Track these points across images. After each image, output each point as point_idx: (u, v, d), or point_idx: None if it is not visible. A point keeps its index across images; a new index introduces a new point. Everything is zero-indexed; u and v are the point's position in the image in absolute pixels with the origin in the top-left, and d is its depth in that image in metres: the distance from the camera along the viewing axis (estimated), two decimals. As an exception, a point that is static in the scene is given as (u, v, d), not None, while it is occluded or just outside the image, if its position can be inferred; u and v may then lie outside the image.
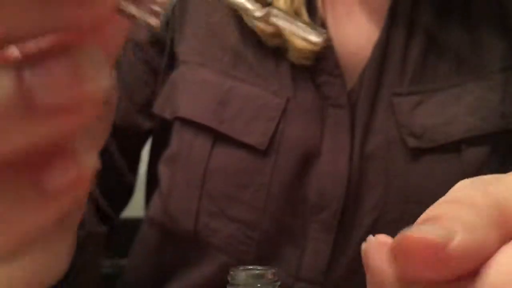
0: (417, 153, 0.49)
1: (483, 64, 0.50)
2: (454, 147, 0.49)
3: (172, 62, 0.52)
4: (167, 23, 0.52)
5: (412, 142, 0.48)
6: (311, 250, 0.49)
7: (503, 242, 0.18)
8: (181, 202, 0.50)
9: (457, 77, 0.50)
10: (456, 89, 0.50)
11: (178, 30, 0.52)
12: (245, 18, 0.49)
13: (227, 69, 0.50)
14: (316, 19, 0.49)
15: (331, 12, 0.51)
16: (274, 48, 0.49)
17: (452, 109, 0.49)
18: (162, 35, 0.52)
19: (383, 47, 0.50)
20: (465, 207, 0.18)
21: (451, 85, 0.50)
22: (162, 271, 0.53)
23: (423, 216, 0.18)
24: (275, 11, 0.17)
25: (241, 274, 0.35)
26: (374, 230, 0.47)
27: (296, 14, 0.47)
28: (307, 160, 0.49)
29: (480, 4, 0.51)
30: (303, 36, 0.18)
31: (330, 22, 0.51)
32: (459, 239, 0.16)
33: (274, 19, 0.17)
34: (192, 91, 0.50)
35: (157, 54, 0.53)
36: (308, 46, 0.47)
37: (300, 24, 0.18)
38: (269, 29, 0.48)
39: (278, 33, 0.48)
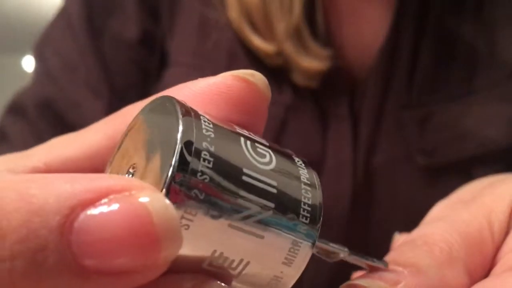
0: (426, 171, 0.45)
1: (499, 66, 0.46)
2: (466, 164, 0.45)
3: (163, 60, 0.48)
4: (158, 16, 0.47)
5: (421, 160, 0.44)
6: (313, 266, 0.47)
7: (477, 269, 0.19)
8: None
9: (471, 84, 0.45)
10: (470, 98, 0.45)
11: (168, 23, 0.47)
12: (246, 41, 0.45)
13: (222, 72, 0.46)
14: (317, 33, 0.45)
15: (335, 18, 0.46)
16: (275, 68, 0.45)
17: (466, 121, 0.45)
18: (153, 30, 0.47)
19: (389, 52, 0.45)
20: (417, 248, 0.19)
21: (465, 93, 0.45)
22: None
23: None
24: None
25: None
26: (379, 249, 0.43)
27: (296, 31, 0.44)
28: None
29: None
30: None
31: (333, 29, 0.46)
32: (403, 284, 0.17)
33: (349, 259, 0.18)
34: None
35: (148, 53, 0.48)
36: (315, 66, 0.43)
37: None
38: (271, 48, 0.44)
39: (281, 52, 0.44)
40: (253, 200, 0.13)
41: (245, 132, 0.15)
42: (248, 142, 0.14)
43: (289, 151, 0.16)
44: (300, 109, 0.45)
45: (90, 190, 0.11)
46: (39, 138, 0.40)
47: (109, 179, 0.12)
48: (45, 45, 0.49)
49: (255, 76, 0.16)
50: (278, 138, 0.45)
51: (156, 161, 0.13)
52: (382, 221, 0.45)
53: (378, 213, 0.46)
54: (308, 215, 0.15)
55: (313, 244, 0.15)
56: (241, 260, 0.14)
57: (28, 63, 3.39)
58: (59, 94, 0.46)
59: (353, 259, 0.18)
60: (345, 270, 0.23)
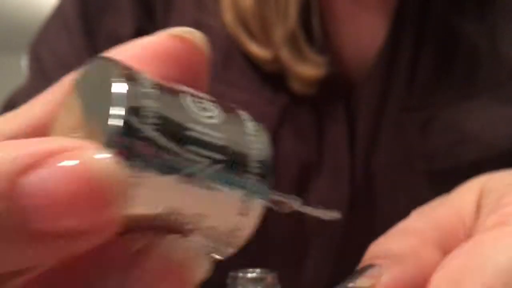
0: (428, 176, 0.44)
1: (501, 65, 0.45)
2: (469, 169, 0.43)
3: None
4: (152, 12, 0.47)
5: (421, 165, 0.44)
6: (311, 269, 0.46)
7: (451, 248, 0.20)
8: None
9: (473, 85, 0.44)
10: (471, 102, 0.44)
11: (162, 21, 0.47)
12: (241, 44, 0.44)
13: (217, 72, 0.45)
14: (314, 39, 0.44)
15: (332, 22, 0.45)
16: (271, 75, 0.44)
17: (468, 124, 0.44)
18: (147, 27, 0.47)
19: (388, 55, 0.44)
20: (396, 238, 0.22)
21: (465, 96, 0.44)
22: None
23: (366, 255, 0.23)
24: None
25: (241, 277, 0.35)
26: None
27: (292, 37, 0.43)
28: (305, 178, 0.44)
29: None
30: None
31: (330, 34, 0.45)
32: (386, 275, 0.20)
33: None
34: None
35: None
36: (311, 73, 0.42)
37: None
38: (267, 54, 0.43)
39: (277, 59, 0.43)
40: (201, 153, 0.13)
41: (187, 89, 0.15)
42: (190, 98, 0.14)
43: (233, 105, 0.16)
44: (296, 112, 0.45)
45: (31, 154, 0.11)
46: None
47: (50, 142, 0.12)
48: (40, 44, 0.49)
49: (193, 34, 0.17)
50: (273, 139, 0.44)
51: (97, 121, 0.13)
52: (383, 228, 0.45)
53: (378, 219, 0.45)
54: (258, 165, 0.14)
55: (266, 196, 0.15)
56: (195, 214, 0.14)
57: (28, 63, 3.39)
58: None
59: (305, 209, 0.19)
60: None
